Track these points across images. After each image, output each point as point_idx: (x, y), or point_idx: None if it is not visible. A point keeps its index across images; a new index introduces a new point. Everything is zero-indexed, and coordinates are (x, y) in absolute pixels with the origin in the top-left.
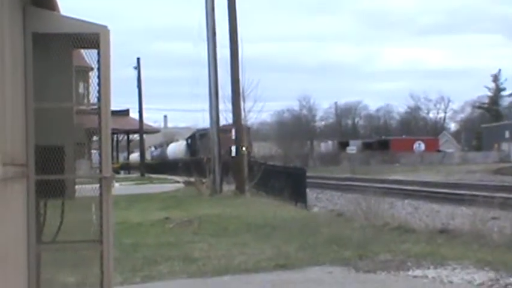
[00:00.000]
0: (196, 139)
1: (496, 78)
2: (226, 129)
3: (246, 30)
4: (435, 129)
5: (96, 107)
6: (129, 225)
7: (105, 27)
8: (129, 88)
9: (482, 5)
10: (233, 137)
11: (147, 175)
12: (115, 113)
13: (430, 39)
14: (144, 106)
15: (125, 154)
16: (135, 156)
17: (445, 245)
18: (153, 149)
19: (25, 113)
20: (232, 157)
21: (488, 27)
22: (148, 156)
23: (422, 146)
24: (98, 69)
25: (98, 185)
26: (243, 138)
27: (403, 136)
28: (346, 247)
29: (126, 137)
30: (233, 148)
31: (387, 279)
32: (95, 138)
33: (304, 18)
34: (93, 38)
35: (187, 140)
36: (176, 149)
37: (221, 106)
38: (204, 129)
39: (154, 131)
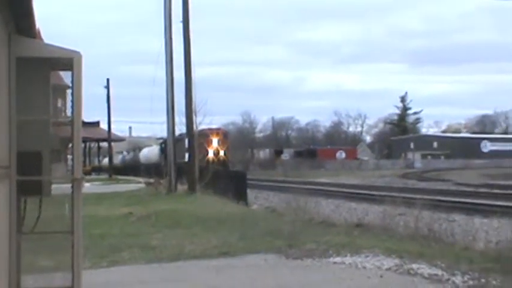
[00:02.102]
0: (167, 144)
1: (403, 99)
2: (206, 133)
3: (198, 55)
4: (354, 140)
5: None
6: (97, 219)
7: (78, 52)
8: (99, 103)
9: (390, 39)
10: (213, 141)
11: (114, 177)
12: (87, 124)
13: (349, 65)
14: (112, 118)
15: (98, 158)
16: (107, 160)
17: (360, 237)
18: (125, 153)
19: (9, 124)
20: (185, 162)
21: (395, 58)
22: (118, 160)
23: (344, 155)
24: (72, 87)
25: (70, 185)
26: (223, 143)
27: (328, 146)
28: (278, 238)
29: (96, 145)
30: (210, 152)
31: (312, 265)
32: (70, 145)
33: (247, 47)
34: (68, 61)
35: (161, 144)
36: (150, 153)
37: (176, 119)
38: (180, 135)
39: (120, 139)
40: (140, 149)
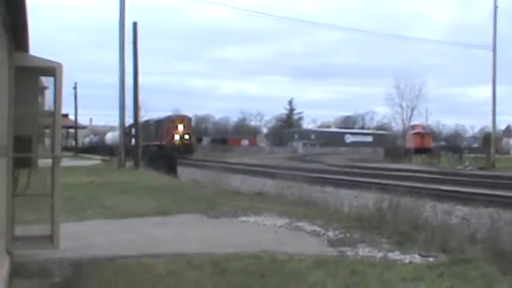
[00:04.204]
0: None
1: (290, 103)
2: (172, 119)
3: (142, 67)
4: (254, 132)
5: (50, 112)
6: (67, 186)
7: (60, 63)
8: (68, 100)
9: (278, 58)
10: (179, 126)
11: (79, 155)
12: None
13: (250, 77)
14: (77, 111)
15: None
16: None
17: (260, 202)
18: (92, 136)
19: (9, 115)
20: (132, 145)
21: (282, 72)
22: (86, 142)
23: (247, 142)
24: (54, 89)
25: (51, 160)
26: (188, 128)
27: (235, 136)
28: (201, 202)
29: (66, 131)
30: (176, 136)
31: (226, 222)
32: (47, 130)
33: (176, 61)
34: (52, 69)
35: (125, 129)
36: (115, 136)
37: (126, 113)
38: (147, 121)
39: (83, 127)
40: (105, 133)
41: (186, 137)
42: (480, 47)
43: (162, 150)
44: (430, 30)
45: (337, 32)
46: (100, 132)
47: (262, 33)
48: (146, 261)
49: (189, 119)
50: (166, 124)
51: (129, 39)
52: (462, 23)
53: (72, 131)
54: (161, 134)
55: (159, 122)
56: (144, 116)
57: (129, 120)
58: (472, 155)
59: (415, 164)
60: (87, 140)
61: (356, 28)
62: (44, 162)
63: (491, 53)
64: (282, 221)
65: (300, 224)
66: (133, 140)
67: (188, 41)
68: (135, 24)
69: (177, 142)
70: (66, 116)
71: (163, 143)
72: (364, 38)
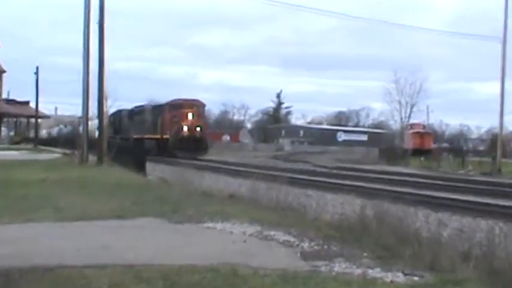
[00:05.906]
0: (121, 117)
1: (278, 95)
2: (179, 105)
3: (112, 51)
4: (238, 126)
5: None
6: (20, 182)
7: None
8: (30, 86)
9: (264, 46)
10: (188, 114)
11: (39, 147)
12: (18, 103)
13: (234, 66)
14: (41, 99)
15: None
16: (42, 133)
17: (231, 206)
18: (62, 126)
19: None
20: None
21: (270, 61)
22: (53, 133)
23: (228, 138)
24: None
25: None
26: (200, 117)
27: (216, 130)
28: (165, 205)
29: (26, 120)
30: (184, 127)
31: (189, 228)
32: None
33: (150, 47)
34: None
35: (109, 117)
36: (93, 127)
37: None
38: (140, 106)
39: (46, 116)
40: (79, 123)
41: (198, 129)
42: (489, 38)
43: (163, 146)
44: (433, 18)
45: (332, 18)
46: (73, 122)
47: (249, 17)
48: (89, 272)
49: (203, 105)
50: (171, 111)
51: (96, 18)
52: (470, 12)
53: (33, 120)
54: (162, 124)
55: (159, 109)
56: (111, 106)
57: (94, 111)
58: (477, 159)
59: (412, 167)
60: (54, 130)
61: (352, 15)
62: None
63: (500, 46)
64: (252, 229)
65: (272, 232)
66: (117, 131)
67: (165, 24)
68: (101, 1)
69: (186, 135)
70: (26, 103)
71: (166, 136)
72: (361, 26)
